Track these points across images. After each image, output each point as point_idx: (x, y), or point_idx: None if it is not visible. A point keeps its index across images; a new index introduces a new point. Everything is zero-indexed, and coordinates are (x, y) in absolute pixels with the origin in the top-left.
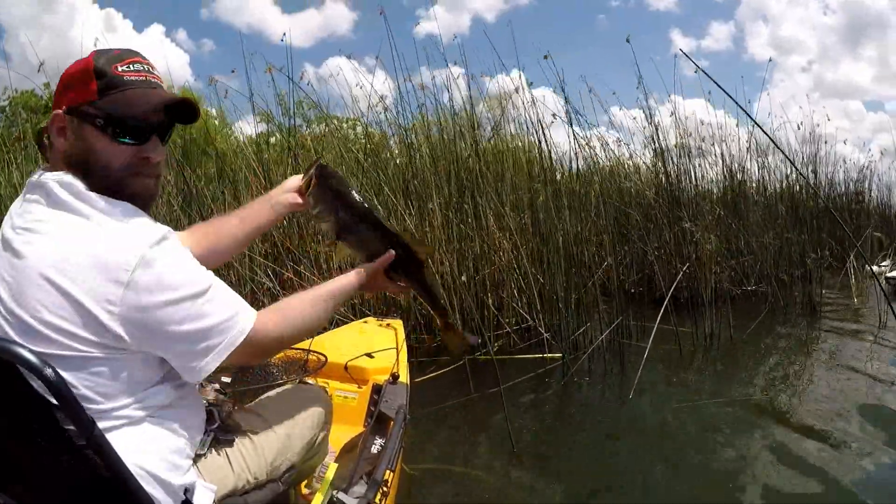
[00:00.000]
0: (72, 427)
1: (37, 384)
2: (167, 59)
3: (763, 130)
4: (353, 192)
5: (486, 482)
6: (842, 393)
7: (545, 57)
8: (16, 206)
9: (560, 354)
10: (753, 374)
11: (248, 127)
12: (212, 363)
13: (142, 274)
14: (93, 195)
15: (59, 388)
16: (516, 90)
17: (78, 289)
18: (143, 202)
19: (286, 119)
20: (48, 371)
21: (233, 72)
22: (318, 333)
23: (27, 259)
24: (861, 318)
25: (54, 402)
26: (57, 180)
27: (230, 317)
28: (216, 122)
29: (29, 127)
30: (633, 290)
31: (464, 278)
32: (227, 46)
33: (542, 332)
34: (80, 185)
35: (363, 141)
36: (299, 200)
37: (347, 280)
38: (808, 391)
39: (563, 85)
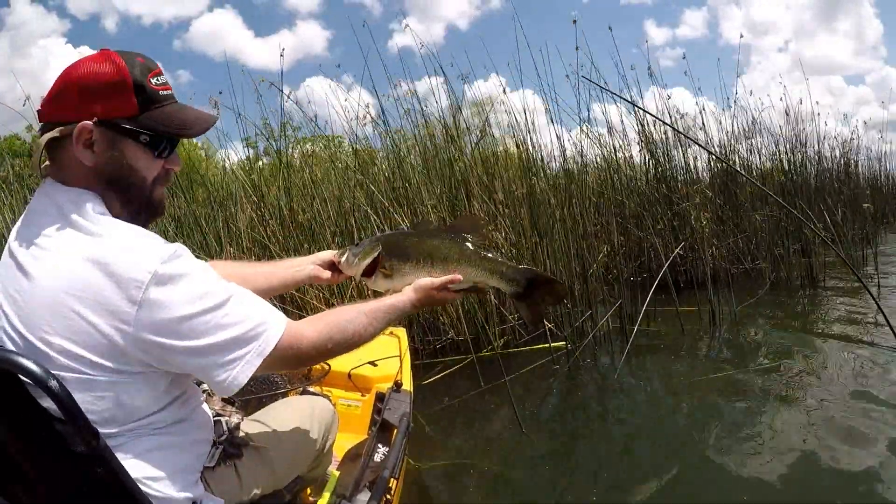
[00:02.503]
0: (76, 438)
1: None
2: None
3: None
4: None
5: (496, 464)
6: (846, 364)
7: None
8: (23, 217)
9: (564, 343)
10: (756, 350)
11: (233, 155)
12: (241, 375)
13: (154, 291)
14: (104, 218)
15: (63, 399)
16: (503, 91)
17: (89, 311)
18: (160, 211)
19: (272, 142)
20: (52, 382)
21: (220, 93)
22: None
23: (35, 279)
24: (859, 288)
25: (58, 412)
26: (72, 200)
27: (254, 326)
28: (201, 154)
29: (12, 169)
30: (633, 277)
31: None
32: (204, 75)
33: (546, 322)
34: (95, 206)
35: (350, 158)
36: (323, 275)
37: (402, 298)
38: (814, 363)
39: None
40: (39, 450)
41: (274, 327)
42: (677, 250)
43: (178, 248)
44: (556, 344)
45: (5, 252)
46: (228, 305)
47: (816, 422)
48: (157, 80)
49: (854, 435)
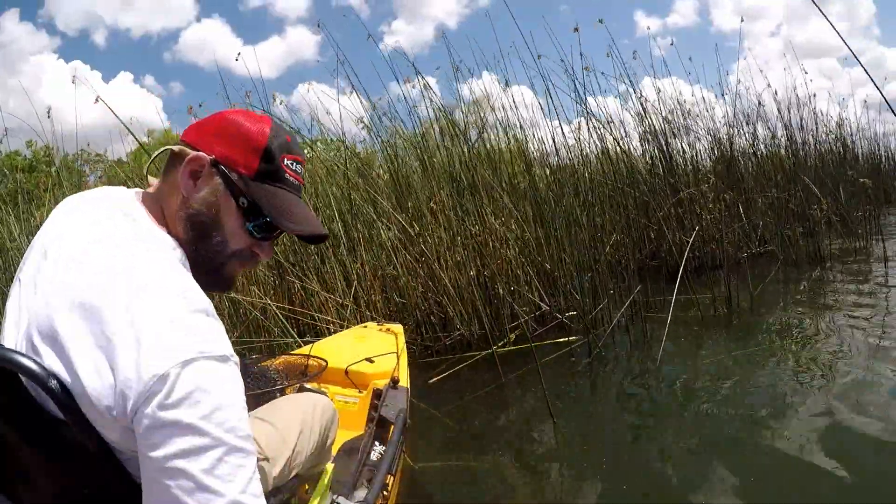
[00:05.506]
0: (78, 438)
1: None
2: (141, 107)
3: None
4: None
5: (525, 457)
6: (861, 336)
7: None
8: (77, 217)
9: (581, 336)
10: (774, 329)
11: None
12: None
13: (175, 381)
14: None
15: (64, 400)
16: (504, 87)
17: (108, 356)
18: (223, 288)
19: None
20: (53, 382)
21: (200, 105)
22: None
23: (70, 288)
24: (868, 263)
25: (59, 413)
26: (159, 239)
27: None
28: None
29: (15, 184)
30: (641, 266)
31: (472, 272)
32: (196, 85)
33: (559, 315)
34: (178, 252)
35: (349, 161)
36: None
37: None
38: (829, 339)
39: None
40: (42, 450)
41: None
42: (691, 240)
43: (229, 351)
44: (573, 338)
45: (39, 248)
46: (236, 457)
47: (841, 402)
48: (292, 164)
49: (877, 409)
